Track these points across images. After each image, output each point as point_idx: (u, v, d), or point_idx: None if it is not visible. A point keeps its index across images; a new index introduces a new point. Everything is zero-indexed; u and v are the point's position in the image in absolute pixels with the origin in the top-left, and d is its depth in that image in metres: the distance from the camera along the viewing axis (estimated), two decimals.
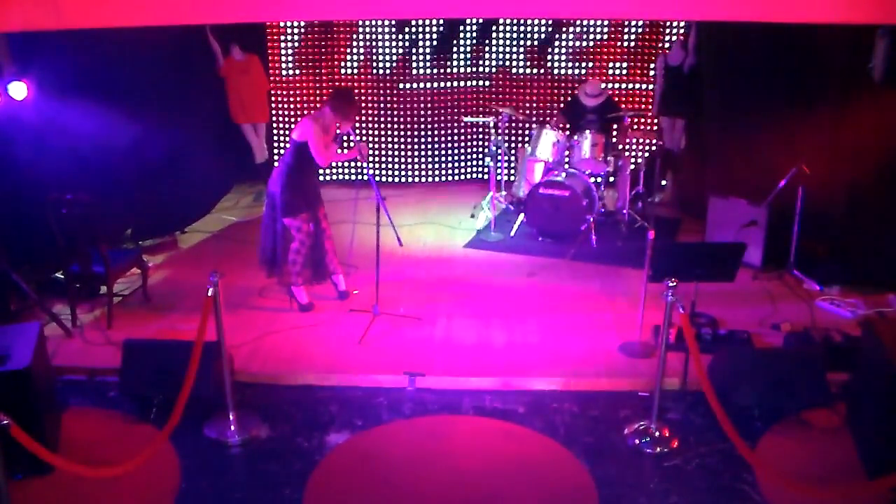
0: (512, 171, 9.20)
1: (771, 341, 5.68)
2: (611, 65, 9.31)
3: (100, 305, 6.17)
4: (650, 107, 9.18)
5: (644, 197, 8.35)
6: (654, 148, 8.81)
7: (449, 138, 9.70)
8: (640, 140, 9.48)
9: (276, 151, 9.58)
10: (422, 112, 9.57)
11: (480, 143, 9.69)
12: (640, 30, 9.15)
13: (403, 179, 9.81)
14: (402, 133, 9.66)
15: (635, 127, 9.23)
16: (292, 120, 9.64)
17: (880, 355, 4.33)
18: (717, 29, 7.46)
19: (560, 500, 4.22)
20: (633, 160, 8.81)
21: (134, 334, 5.36)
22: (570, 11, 6.12)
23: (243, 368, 5.31)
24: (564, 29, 9.24)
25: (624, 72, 9.30)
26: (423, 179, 9.83)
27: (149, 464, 4.21)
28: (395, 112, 9.59)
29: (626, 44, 9.22)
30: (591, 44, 9.26)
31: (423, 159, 9.78)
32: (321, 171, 9.41)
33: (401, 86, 9.48)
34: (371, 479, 4.35)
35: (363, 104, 9.54)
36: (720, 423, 4.19)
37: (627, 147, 9.41)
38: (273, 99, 9.49)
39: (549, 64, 9.40)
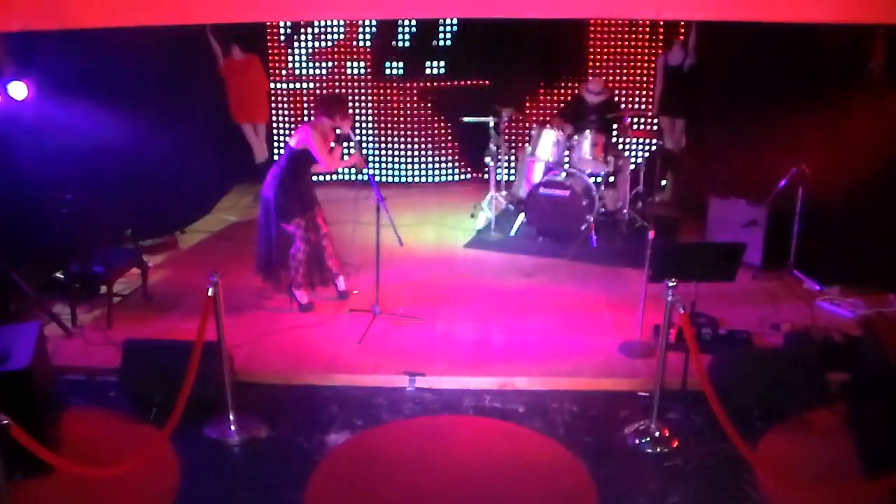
0: (512, 171, 9.20)
1: (771, 341, 5.68)
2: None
3: (100, 305, 6.17)
4: (650, 107, 9.19)
5: (644, 197, 8.35)
6: (654, 148, 8.82)
7: (449, 138, 9.70)
8: (641, 140, 9.49)
9: (275, 151, 9.58)
10: (422, 112, 9.57)
11: (480, 142, 9.70)
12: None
13: (403, 179, 9.81)
14: (402, 133, 9.67)
15: (635, 127, 9.24)
16: (292, 120, 9.65)
17: (880, 355, 4.33)
18: (717, 29, 7.46)
19: (560, 500, 4.22)
20: (633, 160, 8.82)
21: (134, 334, 5.36)
22: (571, 11, 6.11)
23: (243, 368, 5.30)
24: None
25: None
26: (423, 179, 9.83)
27: (149, 464, 4.22)
28: (395, 112, 9.59)
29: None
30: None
31: (423, 159, 9.78)
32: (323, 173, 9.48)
33: (400, 85, 9.49)
34: (371, 479, 4.35)
35: (364, 104, 9.55)
36: (720, 423, 4.18)
37: (627, 147, 9.42)
38: (273, 99, 9.49)
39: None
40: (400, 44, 9.38)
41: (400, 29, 9.32)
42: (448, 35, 9.37)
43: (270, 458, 4.53)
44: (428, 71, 9.47)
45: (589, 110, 8.10)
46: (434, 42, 9.39)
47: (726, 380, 4.75)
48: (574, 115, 8.29)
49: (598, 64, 9.38)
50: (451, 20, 9.19)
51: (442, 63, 9.47)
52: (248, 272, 6.41)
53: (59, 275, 6.27)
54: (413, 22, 9.20)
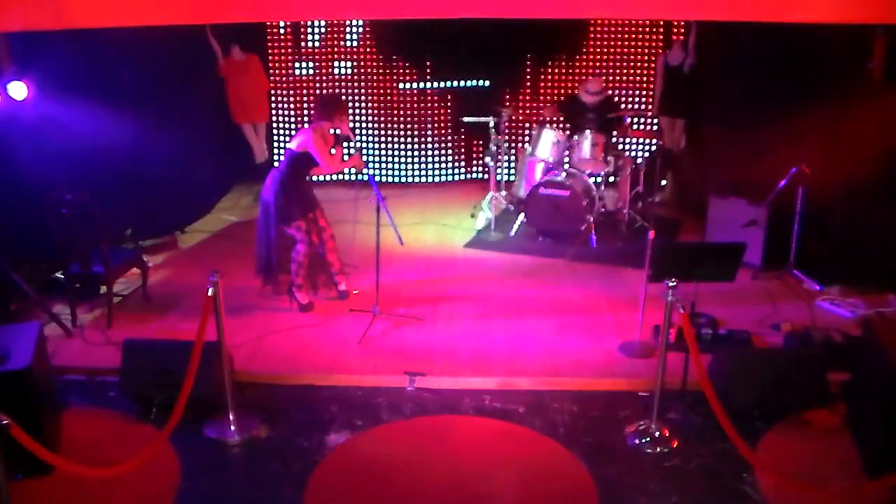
0: (512, 171, 9.20)
1: (771, 341, 5.68)
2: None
3: (100, 305, 6.17)
4: (650, 107, 9.19)
5: (644, 197, 8.35)
6: (654, 148, 8.81)
7: (449, 138, 9.70)
8: (641, 140, 9.48)
9: (276, 151, 9.58)
10: (422, 112, 9.57)
11: (480, 142, 9.70)
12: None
13: (403, 179, 9.81)
14: (402, 133, 9.66)
15: (635, 127, 9.24)
16: (292, 120, 9.64)
17: (880, 355, 4.33)
18: (717, 29, 7.45)
19: (560, 500, 4.22)
20: (633, 160, 8.82)
21: (134, 334, 5.36)
22: (571, 11, 6.11)
23: (243, 368, 5.30)
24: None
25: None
26: (423, 179, 9.83)
27: (149, 464, 4.21)
28: (395, 112, 9.59)
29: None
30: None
31: (423, 159, 9.78)
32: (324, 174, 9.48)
33: (401, 86, 9.48)
34: (371, 479, 4.35)
35: (364, 105, 9.54)
36: (720, 423, 4.19)
37: (627, 147, 9.42)
38: (273, 99, 9.49)
39: None
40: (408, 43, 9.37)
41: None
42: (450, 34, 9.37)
43: (270, 458, 4.53)
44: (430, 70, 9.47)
45: (585, 109, 8.10)
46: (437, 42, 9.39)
47: (726, 380, 4.74)
48: (570, 112, 8.28)
49: (597, 64, 9.37)
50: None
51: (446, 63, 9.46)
52: (248, 272, 6.41)
53: (59, 275, 6.27)
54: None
